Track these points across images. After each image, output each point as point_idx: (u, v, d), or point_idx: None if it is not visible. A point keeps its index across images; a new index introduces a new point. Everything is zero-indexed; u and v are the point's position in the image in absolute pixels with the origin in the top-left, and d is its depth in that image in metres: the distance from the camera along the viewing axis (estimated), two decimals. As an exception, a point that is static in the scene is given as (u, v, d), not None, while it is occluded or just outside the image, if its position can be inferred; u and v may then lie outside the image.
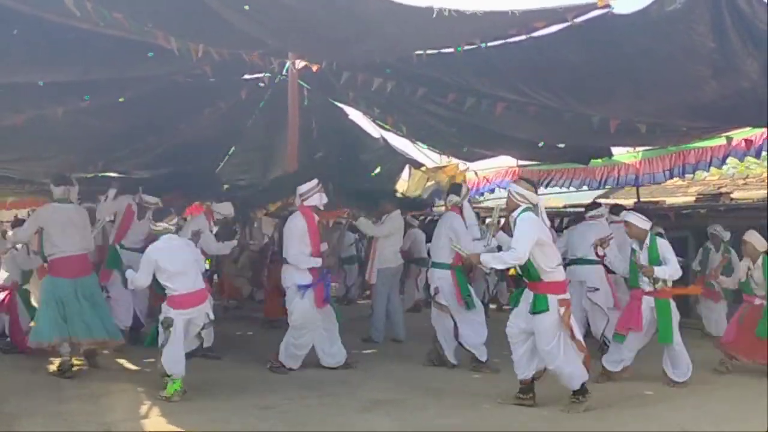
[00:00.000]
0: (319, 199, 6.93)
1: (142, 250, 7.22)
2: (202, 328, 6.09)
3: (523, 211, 5.47)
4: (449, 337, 7.11)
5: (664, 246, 6.46)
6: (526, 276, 5.58)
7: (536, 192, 5.65)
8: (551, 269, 5.46)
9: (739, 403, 5.87)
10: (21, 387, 6.05)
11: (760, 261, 7.01)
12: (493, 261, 5.52)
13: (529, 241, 5.28)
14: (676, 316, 6.39)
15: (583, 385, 5.51)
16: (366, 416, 5.37)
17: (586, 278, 7.55)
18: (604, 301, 7.48)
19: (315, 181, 7.01)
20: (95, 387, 6.14)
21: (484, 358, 6.97)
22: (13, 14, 5.28)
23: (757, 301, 7.03)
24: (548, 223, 5.73)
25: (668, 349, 6.39)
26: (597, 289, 7.51)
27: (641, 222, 6.47)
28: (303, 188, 6.97)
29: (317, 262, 6.83)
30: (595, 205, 8.30)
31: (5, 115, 7.84)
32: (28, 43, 5.78)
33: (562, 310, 5.40)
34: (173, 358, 5.80)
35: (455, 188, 7.63)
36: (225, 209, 8.23)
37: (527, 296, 5.58)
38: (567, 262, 7.24)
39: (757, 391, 6.11)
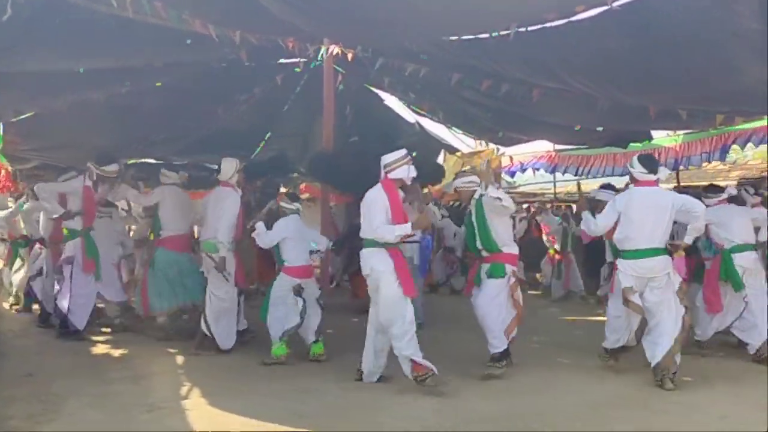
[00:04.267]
0: (407, 172, 5.87)
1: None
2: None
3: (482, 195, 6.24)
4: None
5: None
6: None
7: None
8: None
9: None
10: (66, 368, 6.19)
11: None
12: None
13: None
14: None
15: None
16: (404, 399, 5.37)
17: None
18: None
19: (403, 152, 5.97)
20: (137, 369, 6.27)
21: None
22: (59, 3, 5.39)
23: None
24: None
25: None
26: None
27: None
28: (388, 158, 5.90)
29: (406, 228, 5.72)
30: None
31: (49, 100, 8.01)
32: (68, 31, 5.89)
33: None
34: None
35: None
36: None
37: None
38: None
39: None
